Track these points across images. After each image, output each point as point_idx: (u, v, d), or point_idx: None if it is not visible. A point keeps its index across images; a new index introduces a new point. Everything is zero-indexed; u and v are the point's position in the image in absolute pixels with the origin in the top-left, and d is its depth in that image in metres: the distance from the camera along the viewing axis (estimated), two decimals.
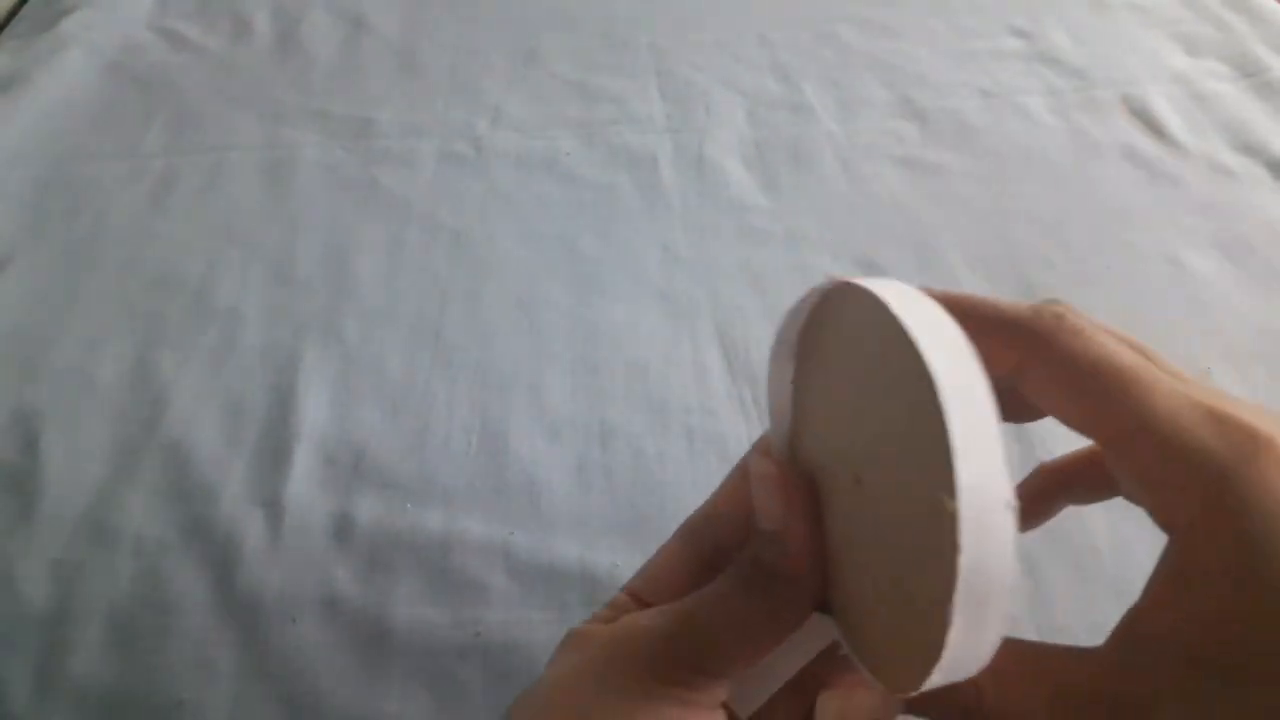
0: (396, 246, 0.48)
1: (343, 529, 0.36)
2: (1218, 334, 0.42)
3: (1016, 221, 0.48)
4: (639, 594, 0.23)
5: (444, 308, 0.44)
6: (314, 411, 0.40)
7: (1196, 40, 0.60)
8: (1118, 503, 0.21)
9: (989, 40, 0.61)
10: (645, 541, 0.24)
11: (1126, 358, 0.19)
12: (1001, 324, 0.20)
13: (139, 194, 0.51)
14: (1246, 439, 0.17)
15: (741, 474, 0.23)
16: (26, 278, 0.47)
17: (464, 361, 0.42)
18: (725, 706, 0.20)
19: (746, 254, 0.46)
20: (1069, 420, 0.19)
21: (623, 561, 0.34)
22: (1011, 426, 0.24)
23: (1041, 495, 0.25)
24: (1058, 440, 0.26)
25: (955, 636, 0.16)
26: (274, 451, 0.38)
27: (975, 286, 0.44)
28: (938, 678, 0.16)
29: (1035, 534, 0.34)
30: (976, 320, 0.20)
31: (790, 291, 0.21)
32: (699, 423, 0.39)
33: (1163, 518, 0.18)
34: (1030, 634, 0.23)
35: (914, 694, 0.17)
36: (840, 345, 0.20)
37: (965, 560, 0.15)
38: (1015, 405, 0.23)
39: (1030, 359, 0.20)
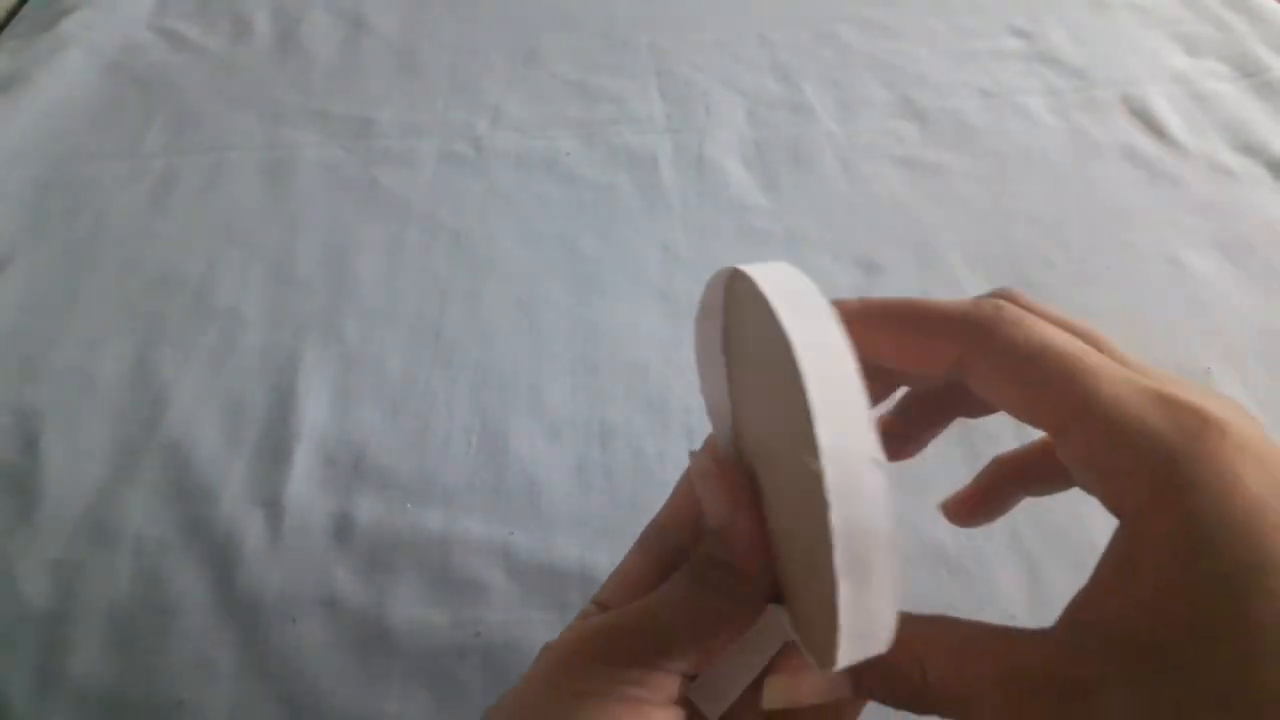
0: (396, 246, 0.48)
1: (343, 529, 0.36)
2: (1218, 334, 0.42)
3: (1016, 221, 0.48)
4: (606, 604, 0.23)
5: (444, 308, 0.44)
6: (314, 411, 0.40)
7: (1196, 40, 0.60)
8: None
9: (989, 40, 0.61)
10: None
11: (1069, 344, 0.19)
12: (942, 320, 0.20)
13: (139, 194, 0.51)
14: (1194, 421, 0.17)
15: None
16: (26, 278, 0.47)
17: (464, 361, 0.42)
18: (692, 707, 0.20)
19: (746, 254, 0.46)
20: (1016, 411, 0.19)
21: None
22: (961, 422, 0.24)
23: (997, 487, 0.25)
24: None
25: (845, 598, 0.16)
26: (274, 451, 0.38)
27: (975, 286, 0.44)
28: (846, 646, 0.16)
29: (1034, 532, 0.34)
30: (917, 319, 0.20)
31: None
32: (699, 423, 0.39)
33: (1112, 503, 0.18)
34: None
35: (836, 669, 0.17)
36: (744, 334, 0.20)
37: (836, 518, 0.15)
38: (964, 400, 0.23)
39: (972, 352, 0.19)
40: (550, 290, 0.45)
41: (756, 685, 0.21)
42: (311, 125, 0.56)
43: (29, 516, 0.36)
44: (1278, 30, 0.60)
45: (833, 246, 0.47)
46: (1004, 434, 0.35)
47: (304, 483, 0.37)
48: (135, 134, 0.56)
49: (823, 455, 0.15)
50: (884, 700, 0.19)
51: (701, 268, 0.44)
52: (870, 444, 0.16)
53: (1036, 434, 0.20)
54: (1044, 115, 0.55)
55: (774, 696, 0.20)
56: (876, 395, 0.24)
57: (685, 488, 0.24)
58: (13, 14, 0.68)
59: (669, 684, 0.19)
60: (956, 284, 0.45)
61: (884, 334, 0.21)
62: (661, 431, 0.39)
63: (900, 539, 0.16)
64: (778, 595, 0.21)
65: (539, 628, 0.33)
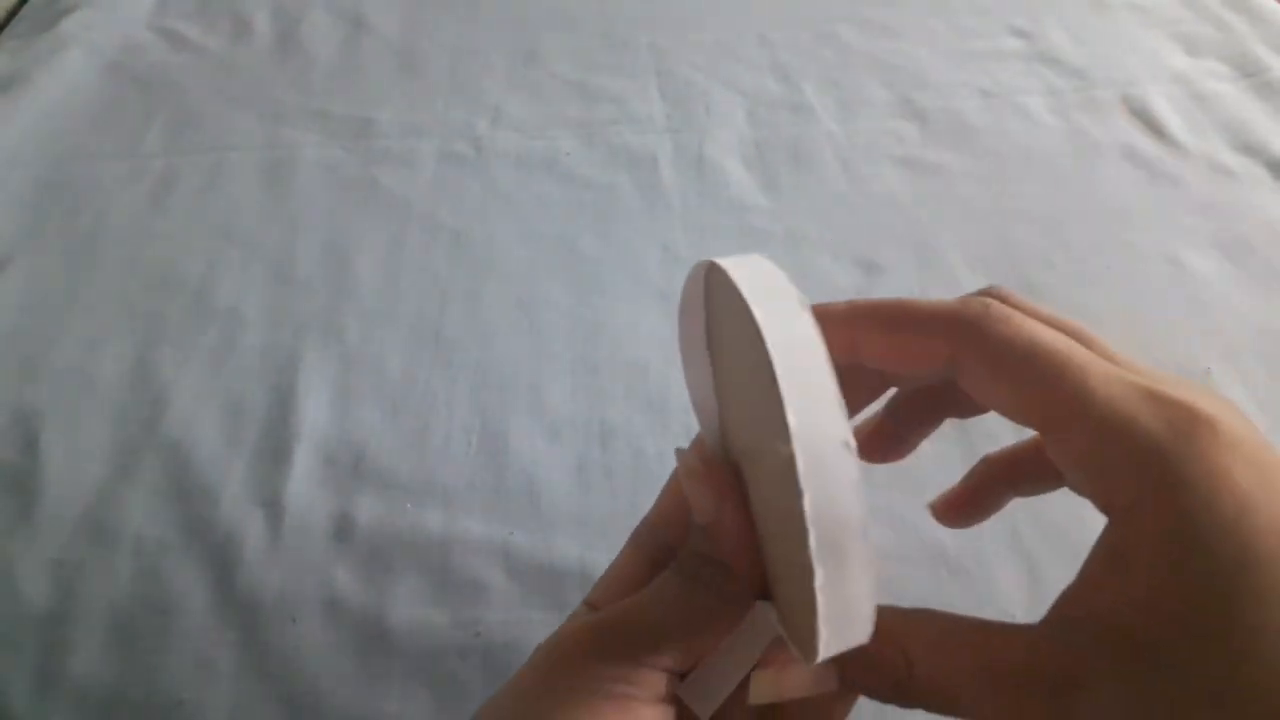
0: (396, 246, 0.48)
1: (343, 529, 0.36)
2: (1218, 334, 0.42)
3: (1016, 221, 0.48)
4: (596, 604, 0.23)
5: (444, 308, 0.44)
6: (314, 411, 0.40)
7: (1196, 40, 0.60)
8: None
9: (989, 40, 0.61)
10: None
11: (1058, 342, 0.19)
12: (931, 319, 0.20)
13: (139, 194, 0.51)
14: (1185, 419, 0.17)
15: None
16: (26, 278, 0.47)
17: (464, 361, 0.42)
18: (680, 704, 0.20)
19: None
20: (1006, 410, 0.19)
21: None
22: (958, 422, 0.24)
23: (986, 487, 0.25)
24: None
25: (821, 584, 0.16)
26: (274, 451, 0.38)
27: (975, 286, 0.44)
28: (826, 634, 0.16)
29: (1034, 532, 0.34)
30: (905, 319, 0.20)
31: None
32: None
33: (1103, 500, 0.18)
34: None
35: (819, 659, 0.17)
36: (723, 328, 0.21)
37: (809, 503, 0.15)
38: (954, 400, 0.23)
39: (962, 351, 0.19)
40: (550, 290, 0.45)
41: (746, 683, 0.21)
42: (311, 125, 0.56)
43: (29, 516, 0.36)
44: (1278, 30, 0.60)
45: (833, 246, 0.47)
46: (1003, 433, 0.34)
47: (304, 483, 0.37)
48: (135, 134, 0.56)
49: (794, 440, 0.15)
50: (869, 693, 0.19)
51: None
52: (841, 429, 0.16)
53: (1033, 433, 0.20)
54: (1044, 115, 0.55)
55: (760, 691, 0.20)
56: (866, 397, 0.24)
57: (674, 486, 0.24)
58: (13, 14, 0.68)
59: (657, 681, 0.19)
60: (957, 284, 0.45)
61: (872, 335, 0.21)
62: (661, 431, 0.39)
63: (873, 526, 0.16)
64: (765, 592, 0.21)
65: (539, 628, 0.33)
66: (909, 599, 0.20)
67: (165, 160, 0.54)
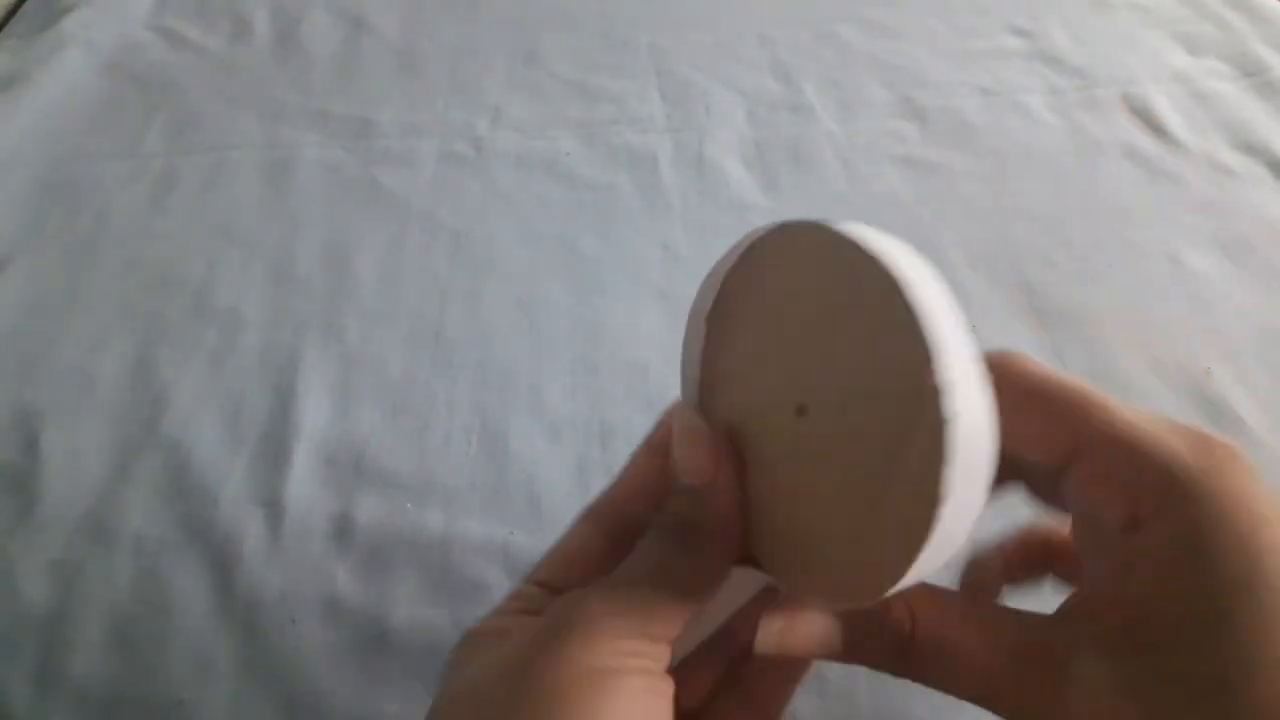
0: (396, 246, 0.48)
1: (343, 529, 0.36)
2: (1218, 333, 0.42)
3: (1017, 220, 0.48)
4: (551, 583, 0.22)
5: (444, 308, 0.44)
6: (314, 411, 0.40)
7: (1197, 39, 0.60)
8: None
9: (989, 40, 0.61)
10: None
11: (1074, 379, 0.20)
12: None
13: (139, 194, 0.51)
14: (1205, 442, 0.18)
15: (649, 449, 0.24)
16: (26, 278, 0.47)
17: (464, 361, 0.42)
18: None
19: None
20: (1028, 441, 0.20)
21: None
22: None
23: (978, 587, 0.26)
24: None
25: (946, 512, 0.16)
26: (274, 451, 0.38)
27: (976, 286, 0.44)
28: (924, 561, 0.17)
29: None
30: None
31: None
32: None
33: (1122, 515, 0.19)
34: None
35: (886, 595, 0.17)
36: (775, 287, 0.21)
37: (960, 430, 0.16)
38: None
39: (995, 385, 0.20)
40: (550, 290, 0.45)
41: (708, 645, 0.22)
42: (311, 125, 0.56)
43: (29, 516, 0.36)
44: (1278, 30, 0.60)
45: None
46: None
47: (304, 483, 0.37)
48: (135, 134, 0.56)
49: (947, 369, 0.16)
50: (867, 653, 0.20)
51: (701, 267, 0.44)
52: (979, 358, 0.17)
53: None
54: (1045, 114, 0.55)
55: (766, 640, 0.20)
56: None
57: (644, 461, 0.24)
58: (12, 13, 0.68)
59: (665, 651, 0.20)
60: (958, 283, 0.45)
61: None
62: None
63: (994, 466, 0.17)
64: (746, 556, 0.21)
65: None
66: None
67: (165, 160, 0.54)
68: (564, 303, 0.44)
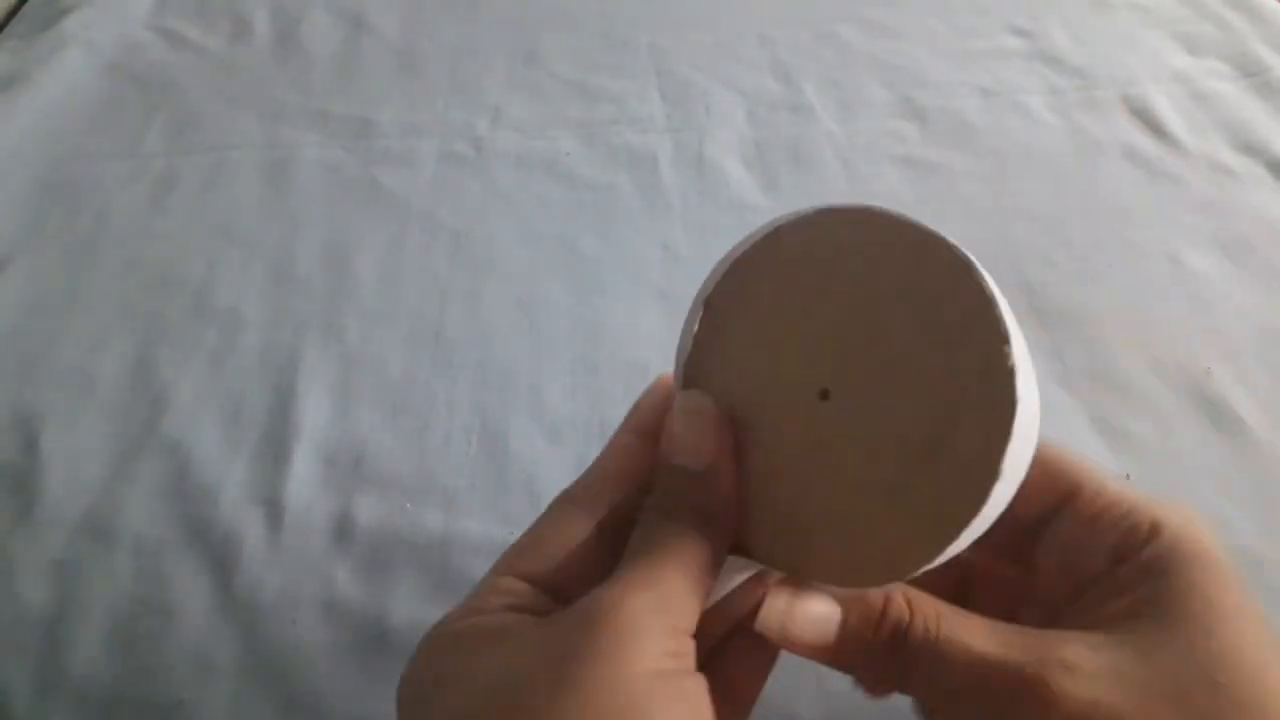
0: (396, 246, 0.48)
1: (343, 529, 0.36)
2: (1218, 334, 0.42)
3: (1017, 220, 0.48)
4: (541, 578, 0.21)
5: (444, 308, 0.44)
6: (314, 411, 0.40)
7: (1197, 40, 0.60)
8: None
9: (989, 40, 0.61)
10: None
11: (1052, 444, 0.22)
12: None
13: (139, 194, 0.51)
14: (1174, 503, 0.21)
15: (633, 431, 0.23)
16: (26, 278, 0.47)
17: (464, 361, 0.42)
18: None
19: None
20: (1027, 494, 0.21)
21: None
22: None
23: None
24: None
25: (997, 490, 0.17)
26: (274, 451, 0.38)
27: None
28: (964, 538, 0.18)
29: None
30: None
31: None
32: None
33: (1115, 543, 0.21)
34: None
35: (918, 573, 0.18)
36: (795, 273, 0.21)
37: (1021, 412, 0.17)
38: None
39: None
40: (550, 290, 0.45)
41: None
42: (311, 125, 0.56)
43: (29, 516, 0.36)
44: (1278, 30, 0.60)
45: None
46: None
47: (304, 483, 0.37)
48: (135, 134, 0.56)
49: (1015, 347, 0.17)
50: (863, 648, 0.20)
51: (701, 267, 0.44)
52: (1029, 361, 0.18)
53: None
54: (1044, 114, 0.55)
55: (770, 619, 0.20)
56: None
57: (629, 444, 0.23)
58: (13, 13, 0.68)
59: (694, 647, 0.19)
60: None
61: None
62: None
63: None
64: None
65: None
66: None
67: (165, 160, 0.54)
68: (564, 303, 0.44)
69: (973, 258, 0.18)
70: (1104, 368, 0.40)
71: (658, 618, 0.18)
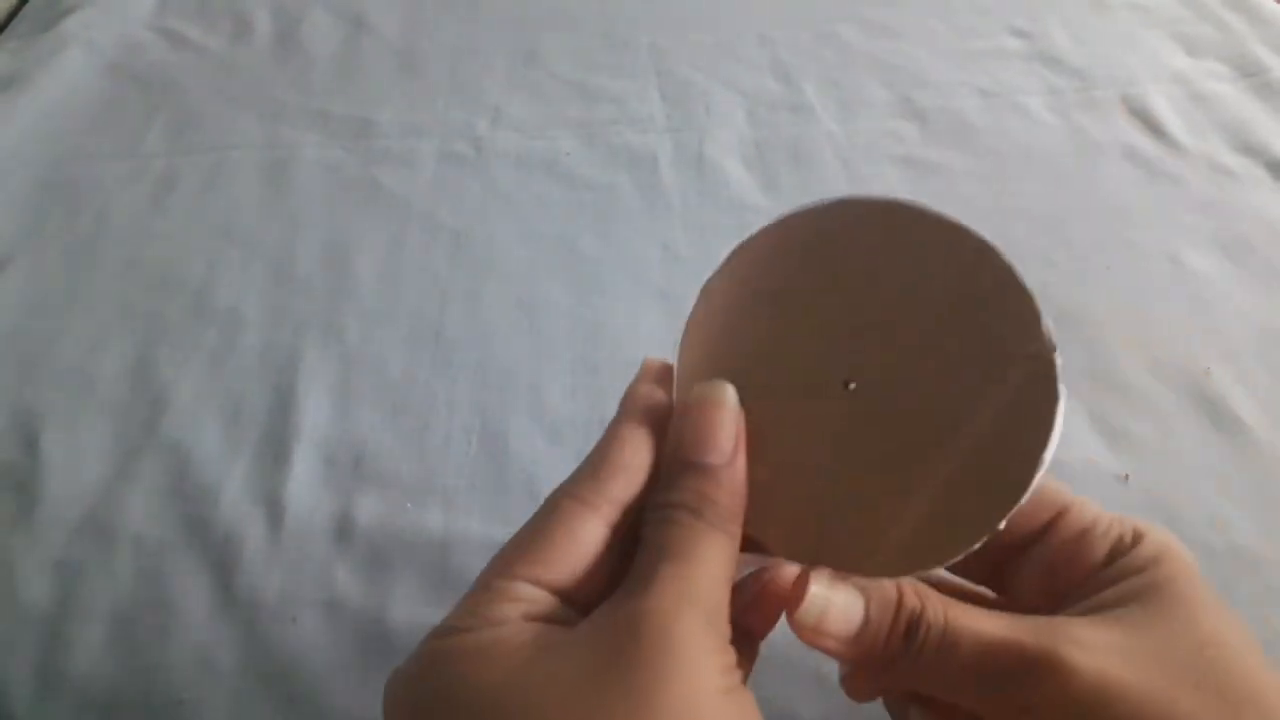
0: (396, 246, 0.48)
1: (343, 529, 0.36)
2: (1218, 334, 0.42)
3: (1017, 221, 0.48)
4: (557, 585, 0.20)
5: (444, 308, 0.44)
6: (314, 411, 0.40)
7: (1196, 40, 0.60)
8: None
9: (989, 40, 0.61)
10: None
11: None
12: None
13: (139, 194, 0.51)
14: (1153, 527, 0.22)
15: (639, 424, 0.22)
16: (26, 278, 0.47)
17: (464, 361, 0.42)
18: None
19: None
20: (1022, 517, 0.21)
21: None
22: None
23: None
24: None
25: (1036, 481, 0.18)
26: (274, 451, 0.38)
27: None
28: (1008, 517, 0.18)
29: None
30: None
31: None
32: None
33: (1107, 548, 0.22)
34: None
35: (959, 558, 0.19)
36: (806, 269, 0.21)
37: (1061, 405, 0.18)
38: None
39: None
40: (550, 290, 0.45)
41: None
42: (311, 125, 0.56)
43: (29, 516, 0.36)
44: (1278, 30, 0.60)
45: None
46: None
47: (304, 483, 0.37)
48: (135, 134, 0.56)
49: (1053, 346, 0.18)
50: (877, 635, 0.20)
51: (701, 267, 0.44)
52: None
53: None
54: (1044, 115, 0.55)
55: (811, 611, 0.20)
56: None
57: (637, 438, 0.22)
58: (13, 14, 0.68)
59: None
60: None
61: None
62: None
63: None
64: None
65: None
66: None
67: (165, 160, 0.54)
68: (564, 303, 0.44)
69: (997, 245, 0.19)
70: (1104, 368, 0.40)
71: (711, 633, 0.18)
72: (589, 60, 0.61)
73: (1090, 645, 0.19)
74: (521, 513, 0.36)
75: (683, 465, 0.21)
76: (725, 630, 0.19)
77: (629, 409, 0.22)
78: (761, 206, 0.50)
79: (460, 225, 0.49)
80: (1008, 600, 0.24)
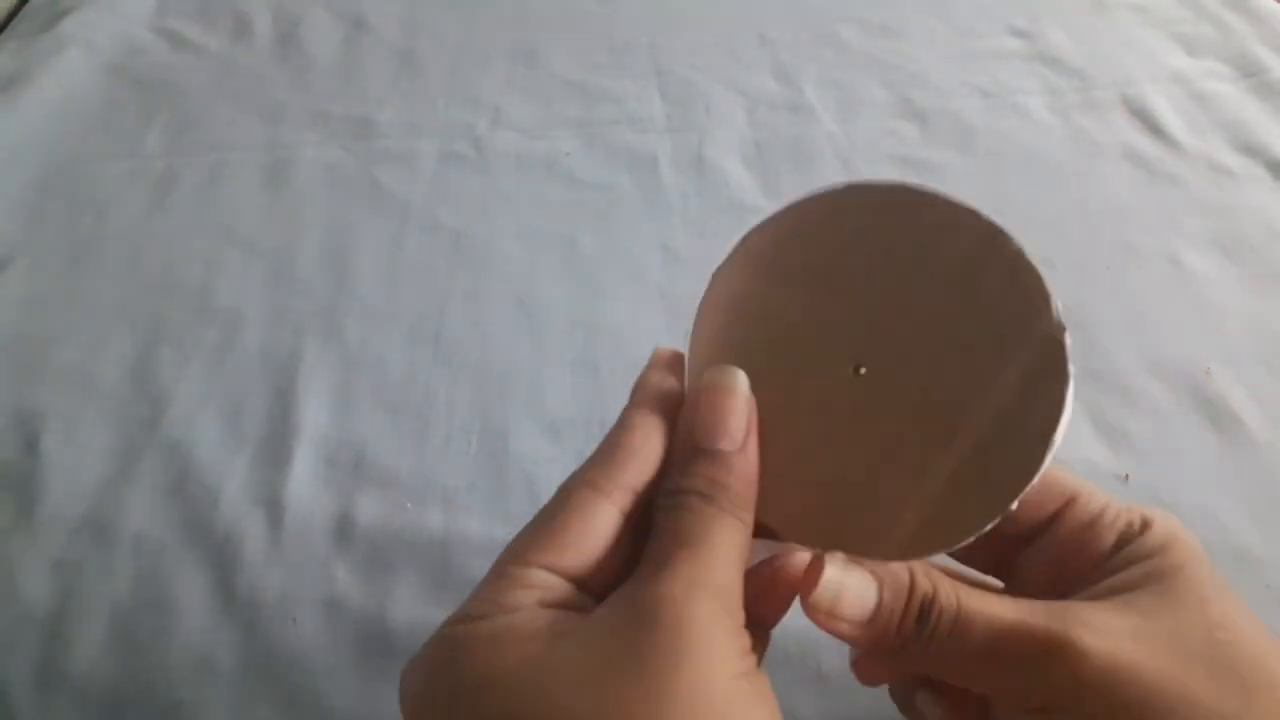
0: (396, 246, 0.48)
1: (343, 529, 0.36)
2: (1218, 334, 0.42)
3: (1016, 221, 0.47)
4: (571, 571, 0.20)
5: (444, 308, 0.44)
6: (314, 411, 0.40)
7: (1196, 40, 0.60)
8: None
9: (989, 40, 0.61)
10: None
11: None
12: None
13: (139, 194, 0.51)
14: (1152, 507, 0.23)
15: (650, 411, 0.22)
16: (27, 278, 0.47)
17: (464, 361, 0.42)
18: None
19: None
20: (1028, 507, 0.22)
21: None
22: None
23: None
24: None
25: (1047, 464, 0.18)
26: (274, 451, 0.38)
27: None
28: (1021, 497, 0.18)
29: None
30: None
31: None
32: None
33: (1117, 534, 0.22)
34: None
35: (974, 538, 0.19)
36: (827, 246, 0.22)
37: (1072, 384, 0.18)
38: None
39: None
40: (550, 290, 0.45)
41: None
42: (311, 125, 0.56)
43: (29, 516, 0.36)
44: (1278, 30, 0.60)
45: None
46: None
47: (304, 483, 0.37)
48: (136, 134, 0.56)
49: (1065, 326, 0.18)
50: (890, 619, 0.20)
51: (701, 267, 0.44)
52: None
53: None
54: (1044, 115, 0.55)
55: (826, 594, 0.20)
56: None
57: (649, 425, 0.22)
58: (13, 14, 0.68)
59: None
60: None
61: None
62: None
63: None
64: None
65: None
66: None
67: (166, 161, 0.54)
68: (564, 303, 0.44)
69: (1006, 228, 0.19)
70: (1104, 368, 0.40)
71: (725, 618, 0.18)
72: (589, 60, 0.61)
73: (1102, 629, 0.19)
74: (522, 512, 0.36)
75: (695, 451, 0.21)
76: (739, 615, 0.19)
77: (641, 396, 0.22)
78: (761, 207, 0.49)
79: (460, 225, 0.49)
80: (1015, 591, 0.23)
